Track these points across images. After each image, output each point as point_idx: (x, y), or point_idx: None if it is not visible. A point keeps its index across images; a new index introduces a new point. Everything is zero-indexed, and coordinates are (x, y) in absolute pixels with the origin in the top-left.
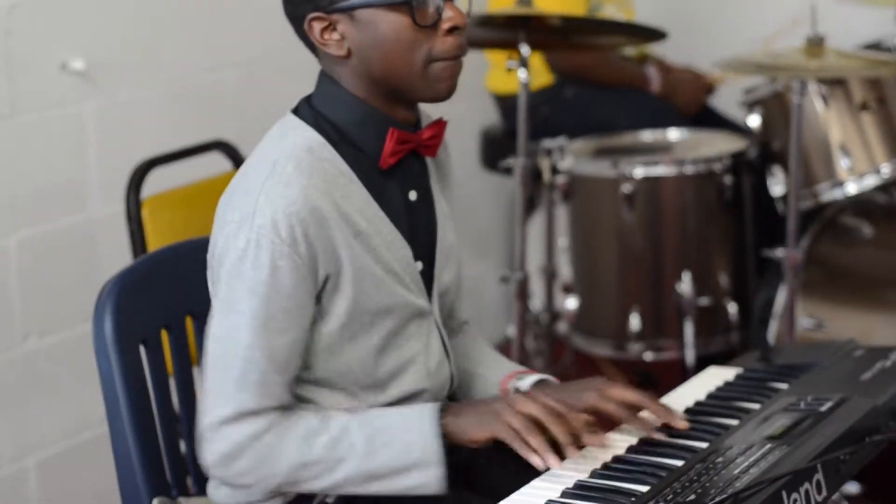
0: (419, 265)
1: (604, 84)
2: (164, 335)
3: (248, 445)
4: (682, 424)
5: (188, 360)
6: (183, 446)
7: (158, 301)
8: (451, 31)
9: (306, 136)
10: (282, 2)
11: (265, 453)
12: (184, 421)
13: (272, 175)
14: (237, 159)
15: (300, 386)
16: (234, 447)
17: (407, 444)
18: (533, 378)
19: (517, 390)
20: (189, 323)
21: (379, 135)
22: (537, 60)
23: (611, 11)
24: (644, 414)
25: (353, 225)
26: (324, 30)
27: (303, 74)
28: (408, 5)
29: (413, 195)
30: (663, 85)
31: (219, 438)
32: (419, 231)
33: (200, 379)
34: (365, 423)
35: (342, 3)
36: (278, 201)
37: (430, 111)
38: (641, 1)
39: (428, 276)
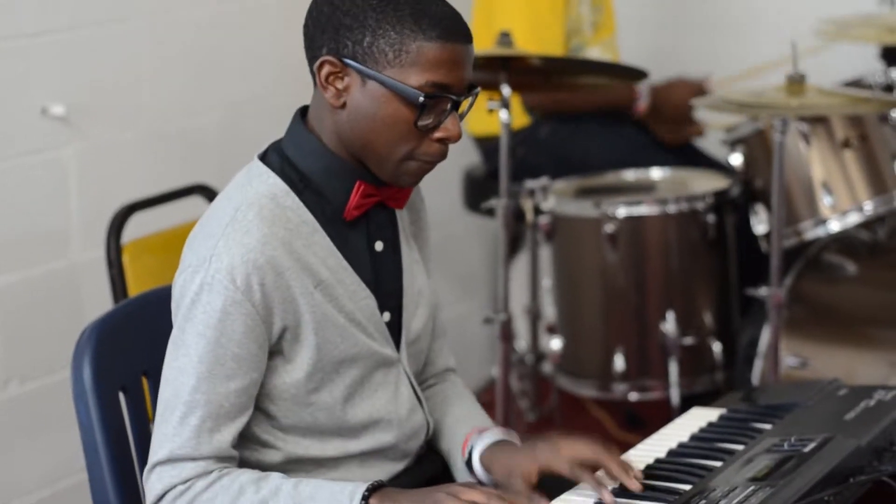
0: (386, 316)
1: (586, 111)
2: (145, 381)
3: (178, 490)
4: (635, 486)
5: None
6: None
7: (138, 347)
8: (442, 140)
9: (270, 183)
10: (306, 26)
11: (193, 501)
12: None
13: (233, 222)
14: None
15: (268, 432)
16: (164, 490)
17: None
18: (492, 437)
19: (471, 451)
20: None
21: (346, 186)
22: (513, 102)
23: (595, 54)
24: (600, 473)
25: (314, 274)
26: (332, 74)
27: (283, 119)
28: (417, 105)
29: (379, 245)
30: (651, 97)
31: (154, 480)
32: (386, 281)
33: None
34: (295, 491)
35: (359, 66)
36: (236, 248)
37: None
38: (626, 42)
39: (396, 326)
